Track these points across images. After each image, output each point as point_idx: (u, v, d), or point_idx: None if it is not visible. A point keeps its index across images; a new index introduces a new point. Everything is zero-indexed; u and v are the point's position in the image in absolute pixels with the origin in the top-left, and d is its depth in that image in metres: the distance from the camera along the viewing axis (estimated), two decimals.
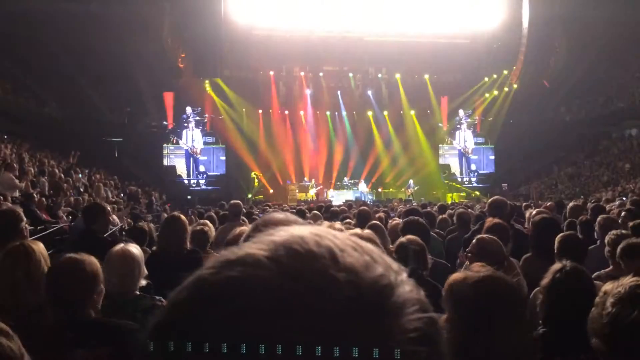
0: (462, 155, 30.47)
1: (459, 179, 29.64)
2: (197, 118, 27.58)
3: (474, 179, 30.22)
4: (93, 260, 2.50)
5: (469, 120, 30.31)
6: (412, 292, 0.49)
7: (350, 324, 0.44)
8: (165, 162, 27.74)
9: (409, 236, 3.68)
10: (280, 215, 1.66)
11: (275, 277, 0.46)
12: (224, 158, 28.21)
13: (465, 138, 30.37)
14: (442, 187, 28.77)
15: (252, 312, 0.44)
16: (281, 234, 0.51)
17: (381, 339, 0.45)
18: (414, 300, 0.49)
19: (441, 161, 30.21)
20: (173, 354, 0.45)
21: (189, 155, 27.84)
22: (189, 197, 24.35)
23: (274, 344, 0.43)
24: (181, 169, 27.94)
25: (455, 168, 30.39)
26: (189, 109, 27.27)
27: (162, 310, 0.49)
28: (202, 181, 27.91)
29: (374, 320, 0.45)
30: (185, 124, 27.50)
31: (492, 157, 30.52)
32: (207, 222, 5.85)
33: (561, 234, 3.83)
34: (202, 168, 28.13)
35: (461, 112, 30.16)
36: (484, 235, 3.43)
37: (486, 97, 30.36)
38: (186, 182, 27.73)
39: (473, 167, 30.67)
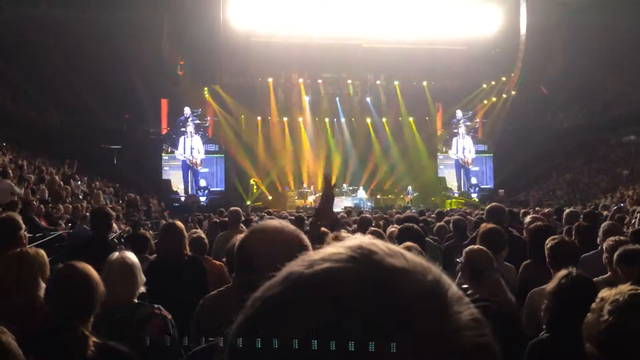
0: (460, 166, 29.57)
1: (456, 195, 28.11)
2: (197, 121, 26.83)
3: (474, 195, 28.11)
4: (93, 270, 2.49)
5: (468, 123, 29.92)
6: (461, 291, 0.56)
7: (422, 310, 0.51)
8: (162, 173, 25.90)
9: (408, 243, 3.69)
10: (274, 221, 1.71)
11: (360, 269, 0.53)
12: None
13: (464, 145, 29.74)
14: (440, 193, 28.64)
15: (343, 298, 0.50)
16: (351, 241, 0.58)
17: (447, 325, 0.51)
18: (465, 296, 0.56)
19: (438, 172, 29.56)
20: (270, 344, 0.50)
21: (187, 167, 26.05)
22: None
23: (362, 325, 0.49)
24: (178, 182, 25.59)
25: (452, 182, 29.17)
26: (187, 110, 26.57)
27: (251, 307, 0.55)
28: (202, 198, 25.29)
29: (440, 308, 0.52)
30: (183, 128, 26.48)
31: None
32: (199, 230, 5.93)
33: (550, 242, 3.77)
34: (202, 182, 26.28)
35: (459, 113, 29.82)
36: (474, 246, 3.45)
37: (485, 103, 30.34)
38: (183, 199, 24.58)
39: (474, 180, 29.27)
